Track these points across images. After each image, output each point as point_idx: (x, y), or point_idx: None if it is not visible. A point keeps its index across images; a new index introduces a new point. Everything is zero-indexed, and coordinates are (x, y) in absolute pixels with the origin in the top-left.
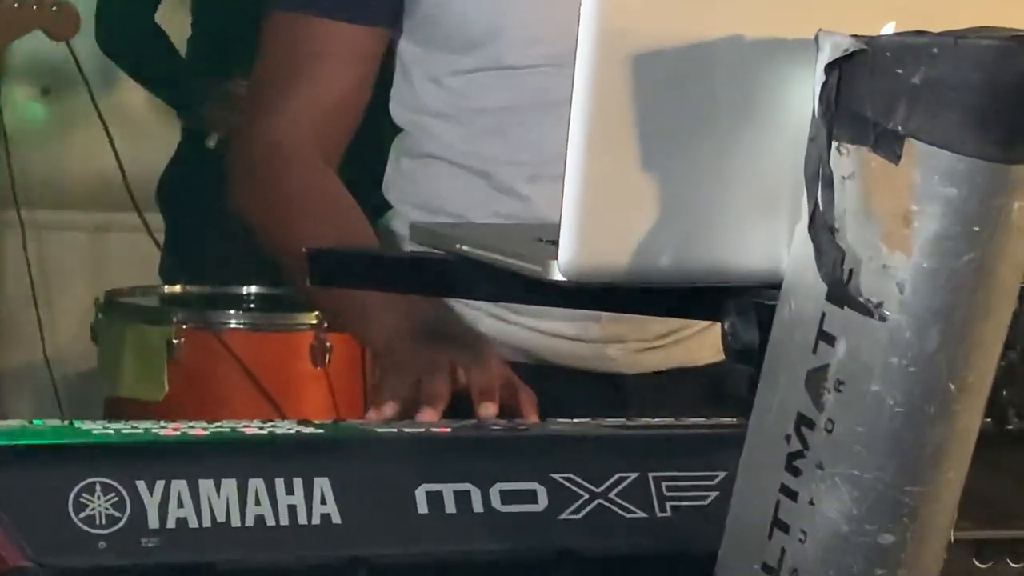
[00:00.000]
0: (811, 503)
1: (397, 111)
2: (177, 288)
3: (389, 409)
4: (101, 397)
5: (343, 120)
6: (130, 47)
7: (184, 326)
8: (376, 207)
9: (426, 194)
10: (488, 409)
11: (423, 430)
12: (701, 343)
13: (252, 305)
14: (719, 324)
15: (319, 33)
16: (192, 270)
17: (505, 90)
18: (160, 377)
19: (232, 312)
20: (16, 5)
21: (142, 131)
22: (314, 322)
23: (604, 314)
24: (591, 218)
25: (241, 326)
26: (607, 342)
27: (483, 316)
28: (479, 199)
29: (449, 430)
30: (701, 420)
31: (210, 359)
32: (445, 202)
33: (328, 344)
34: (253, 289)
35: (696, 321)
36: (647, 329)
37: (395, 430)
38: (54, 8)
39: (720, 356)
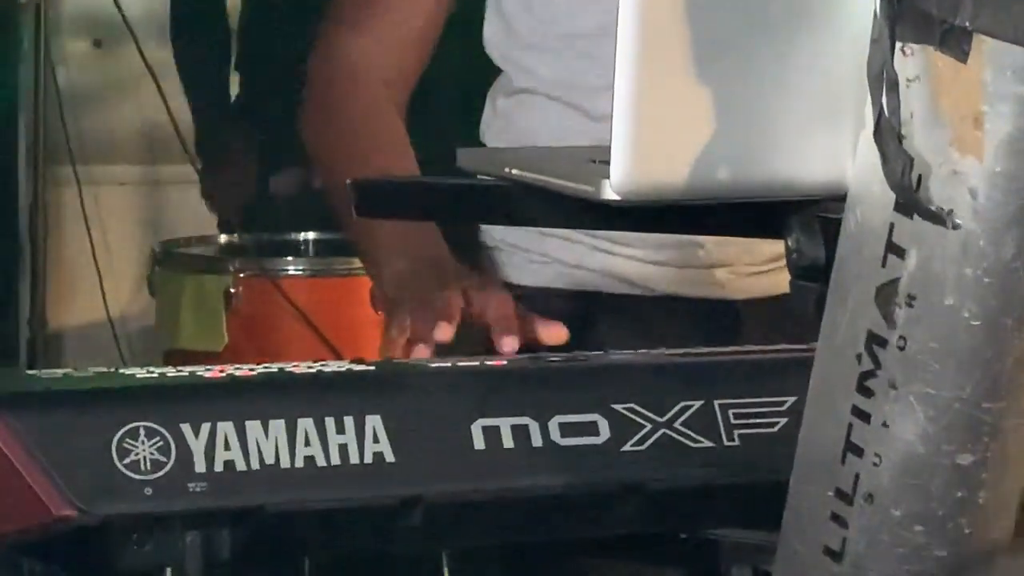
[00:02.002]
0: (884, 425)
1: (490, 46)
2: (234, 237)
3: (421, 351)
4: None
5: (415, 51)
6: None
7: (242, 275)
8: None
9: (521, 131)
10: (509, 344)
11: (478, 363)
12: None
13: (310, 251)
14: None
15: None
16: (251, 218)
17: (593, 14)
18: (219, 327)
19: (290, 259)
20: None
21: None
22: None
23: (710, 238)
24: (643, 133)
25: (299, 272)
26: (714, 267)
27: (587, 249)
28: (573, 129)
29: (504, 363)
30: (768, 345)
31: (269, 307)
32: (539, 137)
33: None
34: (310, 235)
35: None
36: (756, 252)
37: (449, 364)
38: None
39: None
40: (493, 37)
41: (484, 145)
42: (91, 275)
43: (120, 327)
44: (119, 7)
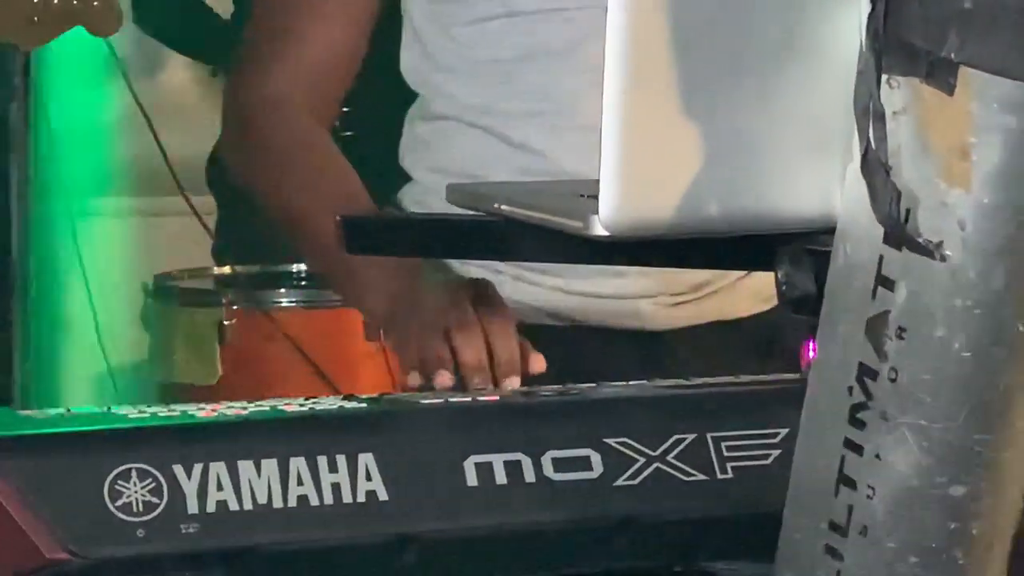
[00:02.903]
0: (877, 456)
1: (407, 70)
2: (226, 269)
3: (445, 379)
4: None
5: (336, 78)
6: (171, 23)
7: (235, 307)
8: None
9: (441, 157)
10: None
11: (470, 399)
12: (739, 294)
13: (303, 282)
14: (756, 274)
15: None
16: (246, 250)
17: (514, 38)
18: (213, 360)
19: (283, 291)
20: (57, 0)
21: (189, 115)
22: None
23: (630, 268)
24: (631, 168)
25: (292, 304)
26: (635, 297)
27: (505, 279)
28: (493, 156)
29: (497, 398)
30: (759, 376)
31: (263, 339)
32: (461, 163)
33: None
34: (303, 266)
35: (732, 271)
36: (678, 282)
37: (441, 400)
38: (96, 3)
39: (760, 307)
40: (410, 62)
41: (403, 169)
42: (84, 308)
43: (114, 361)
44: (109, 44)
